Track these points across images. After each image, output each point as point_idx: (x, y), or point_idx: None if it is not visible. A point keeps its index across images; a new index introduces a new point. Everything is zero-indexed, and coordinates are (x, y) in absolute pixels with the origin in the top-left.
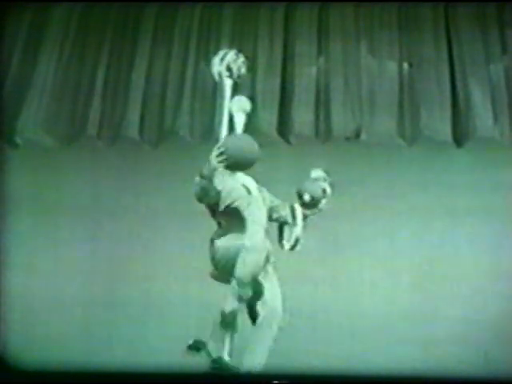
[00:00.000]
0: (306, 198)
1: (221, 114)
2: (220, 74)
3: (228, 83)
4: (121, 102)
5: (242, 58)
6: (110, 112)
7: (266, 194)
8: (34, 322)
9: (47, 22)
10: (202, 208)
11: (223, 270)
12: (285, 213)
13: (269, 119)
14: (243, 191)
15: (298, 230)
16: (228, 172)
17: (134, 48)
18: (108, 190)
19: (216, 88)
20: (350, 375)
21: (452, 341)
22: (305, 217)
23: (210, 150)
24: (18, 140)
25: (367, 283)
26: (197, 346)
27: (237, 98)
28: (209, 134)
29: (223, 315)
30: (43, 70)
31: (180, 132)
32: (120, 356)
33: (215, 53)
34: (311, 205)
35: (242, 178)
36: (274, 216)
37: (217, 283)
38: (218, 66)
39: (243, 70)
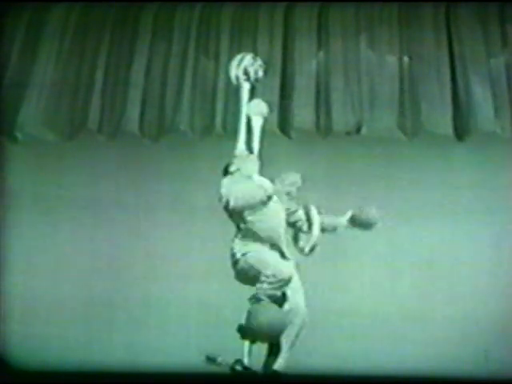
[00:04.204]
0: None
1: (239, 117)
2: (237, 78)
3: (246, 87)
4: (121, 97)
5: (259, 62)
6: (110, 107)
7: (284, 197)
8: (34, 322)
9: (47, 19)
10: (203, 205)
11: (242, 280)
12: (301, 218)
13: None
14: (260, 192)
15: (315, 235)
16: (245, 174)
17: (134, 43)
18: (108, 185)
19: (216, 84)
20: (350, 375)
21: (452, 340)
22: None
23: (210, 146)
24: (19, 135)
25: (367, 283)
26: (210, 360)
27: (255, 101)
28: (209, 129)
29: None
30: (43, 65)
31: (180, 127)
32: (120, 356)
33: (215, 49)
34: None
35: (259, 179)
36: (291, 220)
37: (216, 283)
38: (235, 69)
39: (260, 74)
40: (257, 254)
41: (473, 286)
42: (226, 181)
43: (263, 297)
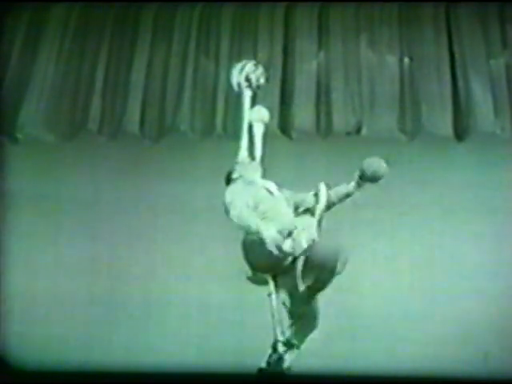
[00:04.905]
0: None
1: (240, 122)
2: (239, 85)
3: (247, 93)
4: (121, 97)
5: (260, 69)
6: (111, 107)
7: (288, 193)
8: (34, 322)
9: (47, 19)
10: (203, 205)
11: (264, 263)
12: (311, 202)
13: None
14: (266, 193)
15: (321, 206)
16: (247, 179)
17: (134, 43)
18: (108, 186)
19: (217, 84)
20: (350, 375)
21: (452, 341)
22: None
23: (211, 147)
24: (19, 135)
25: (367, 283)
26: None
27: (256, 107)
28: (210, 129)
29: None
30: (43, 65)
31: (181, 127)
32: (120, 356)
33: (215, 49)
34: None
35: (262, 182)
36: (302, 208)
37: (216, 283)
38: (237, 76)
39: (262, 80)
40: (272, 227)
41: (473, 286)
42: (229, 189)
43: (306, 245)
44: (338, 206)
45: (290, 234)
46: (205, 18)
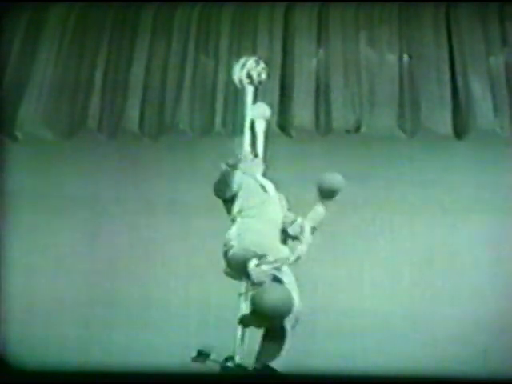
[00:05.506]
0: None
1: (242, 120)
2: (241, 81)
3: (249, 90)
4: (120, 95)
5: (262, 65)
6: (110, 106)
7: (284, 203)
8: (34, 322)
9: (46, 19)
10: (203, 204)
11: (235, 270)
12: (298, 230)
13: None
14: (259, 189)
15: (303, 247)
16: (247, 172)
17: (134, 41)
18: (108, 184)
19: (216, 83)
20: (350, 375)
21: (452, 340)
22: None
23: (210, 145)
24: (18, 134)
25: (367, 283)
26: (203, 355)
27: (257, 104)
28: (209, 128)
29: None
30: (42, 64)
31: (180, 126)
32: (120, 356)
33: (215, 48)
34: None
35: (261, 179)
36: (289, 231)
37: (217, 283)
38: (238, 73)
39: (263, 76)
40: (252, 235)
41: (473, 286)
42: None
43: (265, 279)
44: (337, 206)
45: (260, 257)
46: (204, 17)
